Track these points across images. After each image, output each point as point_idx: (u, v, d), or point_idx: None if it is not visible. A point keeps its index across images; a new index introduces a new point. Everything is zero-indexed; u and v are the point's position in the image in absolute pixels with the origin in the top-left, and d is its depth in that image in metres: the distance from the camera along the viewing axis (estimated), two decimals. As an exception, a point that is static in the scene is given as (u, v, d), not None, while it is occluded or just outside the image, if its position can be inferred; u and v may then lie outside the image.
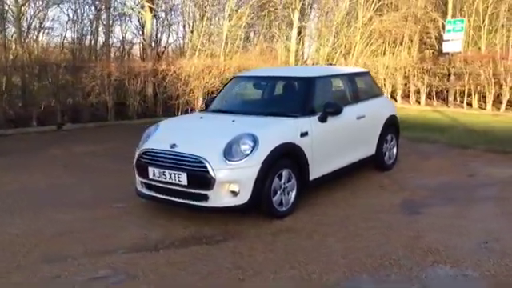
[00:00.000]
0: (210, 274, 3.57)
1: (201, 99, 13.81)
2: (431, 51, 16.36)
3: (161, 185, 4.66)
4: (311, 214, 4.85)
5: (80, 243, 4.18)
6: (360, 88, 6.19)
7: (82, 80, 11.90)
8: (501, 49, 14.59)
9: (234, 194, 4.38)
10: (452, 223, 4.53)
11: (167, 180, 4.55)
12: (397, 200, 5.30)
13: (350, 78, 6.09)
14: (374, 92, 6.53)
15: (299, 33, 18.11)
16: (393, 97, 16.17)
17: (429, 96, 15.63)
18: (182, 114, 13.26)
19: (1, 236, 4.38)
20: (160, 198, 4.75)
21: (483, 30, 14.99)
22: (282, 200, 4.70)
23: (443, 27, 15.35)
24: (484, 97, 14.26)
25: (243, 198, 4.38)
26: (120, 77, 12.48)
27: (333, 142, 5.35)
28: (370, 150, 6.14)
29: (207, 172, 4.32)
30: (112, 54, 15.17)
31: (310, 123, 5.03)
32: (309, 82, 5.37)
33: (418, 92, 15.77)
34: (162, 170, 4.58)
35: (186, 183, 4.43)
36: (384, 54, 18.03)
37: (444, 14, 15.70)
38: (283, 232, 4.38)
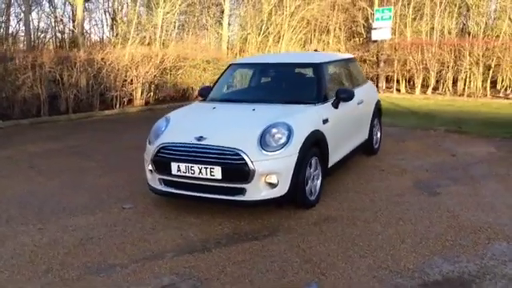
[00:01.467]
0: (283, 270, 3.38)
1: (140, 90, 13.21)
2: (361, 39, 16.93)
3: (187, 181, 4.33)
4: (338, 201, 4.79)
5: (116, 250, 3.77)
6: (354, 73, 6.23)
7: (11, 72, 10.78)
8: (426, 36, 15.50)
9: (273, 185, 4.18)
10: (475, 201, 4.70)
11: (196, 175, 4.24)
12: (407, 182, 5.41)
13: (347, 63, 6.10)
14: (363, 77, 6.61)
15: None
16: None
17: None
18: (120, 107, 12.61)
19: (18, 249, 3.82)
20: (186, 194, 4.42)
21: (408, 18, 15.82)
22: (311, 189, 4.59)
23: (371, 16, 15.96)
24: (409, 82, 15.10)
25: (282, 189, 4.21)
26: (53, 68, 11.47)
27: (343, 129, 5.33)
28: (365, 134, 6.22)
29: (245, 164, 4.08)
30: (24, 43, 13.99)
31: (328, 109, 4.96)
32: (318, 68, 5.28)
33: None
34: (188, 165, 4.26)
35: (219, 177, 4.15)
36: (311, 42, 18.39)
37: (372, 3, 16.31)
38: (324, 221, 4.28)
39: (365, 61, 15.90)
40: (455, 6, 15.16)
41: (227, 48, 17.22)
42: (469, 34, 14.85)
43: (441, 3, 14.93)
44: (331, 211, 4.53)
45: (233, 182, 4.17)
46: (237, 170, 4.12)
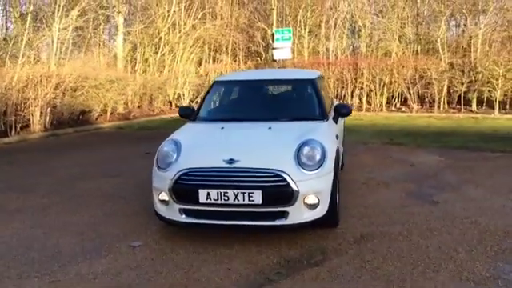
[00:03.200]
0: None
1: (38, 114, 11.93)
2: (261, 58, 17.31)
3: (219, 209, 3.93)
4: (356, 217, 4.73)
5: None
6: (326, 89, 6.29)
7: None
8: (322, 56, 16.37)
9: (313, 206, 3.99)
10: (478, 206, 4.99)
11: (230, 202, 3.87)
12: (398, 193, 5.57)
13: (321, 79, 6.13)
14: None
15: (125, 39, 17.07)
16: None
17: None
18: (17, 133, 11.25)
19: None
20: (218, 224, 4.01)
21: (305, 39, 16.58)
22: (336, 207, 4.48)
23: (271, 36, 16.43)
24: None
25: (323, 209, 4.04)
26: None
27: (340, 144, 5.33)
28: (342, 149, 6.29)
29: (288, 185, 3.84)
30: None
31: (334, 125, 4.93)
32: (314, 84, 5.24)
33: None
34: (221, 191, 3.88)
35: (260, 202, 3.84)
36: (207, 61, 18.35)
37: (270, 24, 16.80)
38: (363, 240, 4.19)
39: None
40: (345, 28, 16.23)
41: (124, 67, 16.37)
42: (360, 53, 16.00)
43: (335, 25, 15.86)
44: (359, 228, 4.45)
45: (274, 206, 3.89)
46: (280, 193, 3.85)
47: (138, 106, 15.66)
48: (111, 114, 13.98)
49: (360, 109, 14.85)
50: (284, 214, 3.90)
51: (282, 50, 16.03)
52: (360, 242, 4.10)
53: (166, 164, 4.17)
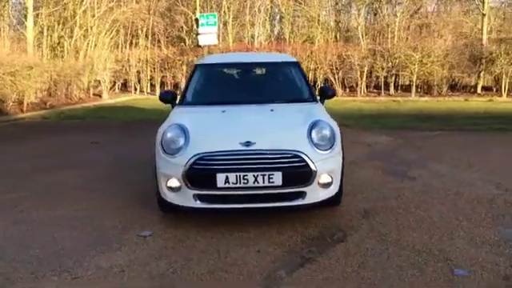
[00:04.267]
0: (417, 265, 3.37)
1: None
2: (186, 44, 16.99)
3: (238, 192, 3.90)
4: (350, 195, 4.92)
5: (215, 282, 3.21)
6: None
7: None
8: (248, 42, 16.48)
9: (327, 185, 4.08)
10: (454, 179, 5.41)
11: (250, 185, 3.85)
12: (374, 171, 5.88)
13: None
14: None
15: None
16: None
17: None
18: None
19: None
20: (237, 208, 3.97)
21: (229, 25, 16.57)
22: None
23: (196, 21, 16.20)
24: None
25: (335, 188, 4.15)
26: None
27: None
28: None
29: (307, 166, 3.91)
30: None
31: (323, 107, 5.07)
32: (298, 66, 5.32)
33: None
34: (240, 174, 3.84)
35: (280, 183, 3.86)
36: (130, 46, 17.67)
37: (194, 9, 16.53)
38: (369, 214, 4.38)
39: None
40: (268, 14, 16.47)
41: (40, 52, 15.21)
42: (284, 40, 16.35)
43: (259, 11, 16.03)
44: (359, 205, 4.63)
45: (293, 187, 3.93)
46: (299, 174, 3.90)
47: (49, 94, 14.62)
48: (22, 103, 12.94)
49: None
50: (301, 195, 3.96)
51: (208, 36, 15.88)
52: (367, 217, 4.28)
53: (175, 149, 4.03)
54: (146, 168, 6.01)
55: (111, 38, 17.09)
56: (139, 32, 17.54)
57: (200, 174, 3.87)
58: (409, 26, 14.87)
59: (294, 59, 5.48)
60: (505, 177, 5.39)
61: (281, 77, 5.40)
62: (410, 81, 13.73)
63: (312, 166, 3.88)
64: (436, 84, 14.07)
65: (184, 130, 4.12)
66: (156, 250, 3.70)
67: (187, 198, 3.97)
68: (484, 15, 13.92)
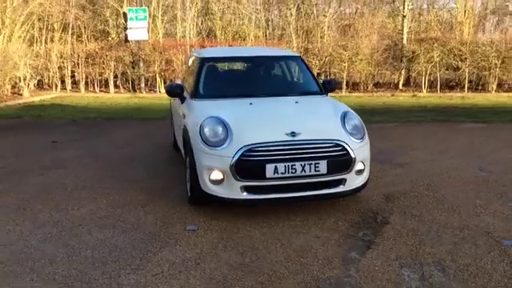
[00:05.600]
0: (465, 242, 3.75)
1: None
2: (114, 38, 16.33)
3: (286, 182, 4.03)
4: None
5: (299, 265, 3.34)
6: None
7: None
8: (180, 38, 16.25)
9: (361, 172, 4.35)
10: (435, 164, 5.93)
11: (297, 174, 4.01)
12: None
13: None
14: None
15: None
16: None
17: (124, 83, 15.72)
18: None
19: None
20: (284, 197, 4.09)
21: (159, 19, 16.23)
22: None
23: (124, 15, 15.68)
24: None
25: (366, 175, 4.44)
26: None
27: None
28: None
29: (347, 153, 4.14)
30: None
31: (332, 99, 5.33)
32: (301, 60, 5.53)
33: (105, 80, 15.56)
34: (289, 164, 3.98)
35: (325, 171, 4.07)
36: (49, 40, 16.60)
37: (122, 2, 15.96)
38: (393, 198, 4.71)
39: (121, 61, 15.45)
40: (199, 11, 16.39)
41: None
42: (214, 36, 16.38)
43: (190, 8, 15.91)
44: (377, 190, 4.93)
45: (336, 174, 4.14)
46: (341, 161, 4.12)
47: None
48: None
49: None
50: (342, 181, 4.18)
51: (138, 31, 15.43)
52: (392, 201, 4.61)
53: (217, 141, 4.05)
54: (132, 164, 5.90)
55: (27, 32, 15.92)
56: (59, 25, 16.50)
57: (249, 165, 3.93)
58: (338, 26, 15.64)
59: (296, 53, 5.66)
60: (481, 161, 6.02)
61: (287, 70, 5.55)
62: (341, 78, 14.47)
63: (352, 154, 4.12)
64: (362, 81, 14.98)
65: (223, 122, 4.13)
66: (215, 243, 3.71)
67: (233, 190, 4.00)
68: (404, 17, 15.10)
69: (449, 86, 14.82)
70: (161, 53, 15.29)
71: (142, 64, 15.54)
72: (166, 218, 4.22)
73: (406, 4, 15.00)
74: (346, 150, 4.09)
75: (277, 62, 5.64)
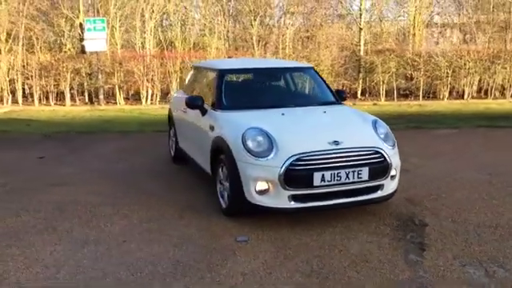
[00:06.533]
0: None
1: None
2: (70, 49, 15.77)
3: (332, 189, 4.15)
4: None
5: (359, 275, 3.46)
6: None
7: None
8: (139, 48, 15.97)
9: (393, 178, 4.54)
10: (438, 168, 6.26)
11: (342, 181, 4.14)
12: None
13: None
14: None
15: None
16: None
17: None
18: None
19: None
20: (328, 205, 4.19)
21: (117, 30, 15.89)
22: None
23: (80, 26, 15.25)
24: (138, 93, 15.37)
25: (397, 181, 4.64)
26: None
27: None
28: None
29: (385, 160, 4.32)
30: None
31: (347, 109, 5.52)
32: (314, 71, 5.69)
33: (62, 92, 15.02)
34: (334, 172, 4.10)
35: (367, 178, 4.22)
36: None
37: (78, 13, 15.48)
38: (414, 201, 4.94)
39: (78, 73, 14.97)
40: (154, 20, 16.21)
41: None
42: (174, 47, 16.25)
43: (150, 18, 15.72)
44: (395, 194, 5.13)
45: (376, 180, 4.30)
46: (381, 168, 4.29)
47: None
48: None
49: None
50: (380, 187, 4.35)
51: (96, 42, 15.06)
52: (416, 204, 4.84)
53: (263, 152, 4.10)
54: (140, 178, 5.79)
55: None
56: (6, 36, 15.74)
57: (298, 174, 4.01)
58: (299, 38, 16.01)
59: (310, 64, 5.80)
60: (476, 164, 6.40)
61: (303, 81, 5.67)
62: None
63: (389, 160, 4.30)
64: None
65: (265, 133, 4.18)
66: (274, 252, 3.74)
67: (281, 199, 4.05)
68: (361, 29, 15.72)
69: (403, 94, 15.54)
70: (121, 64, 14.96)
71: (100, 76, 15.11)
72: (209, 230, 4.19)
73: (362, 17, 15.61)
74: (383, 156, 4.25)
75: (292, 72, 5.75)
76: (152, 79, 14.90)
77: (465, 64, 14.61)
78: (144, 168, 6.48)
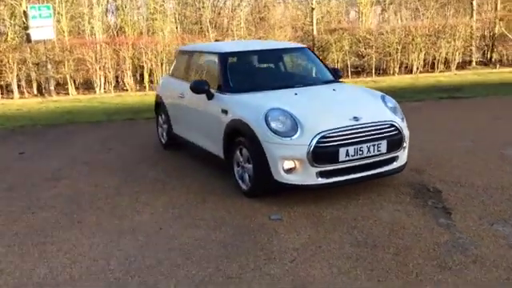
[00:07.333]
0: None
1: None
2: (13, 38, 14.92)
3: (355, 163, 4.32)
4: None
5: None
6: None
7: None
8: (88, 36, 15.38)
9: (405, 149, 4.77)
10: (427, 139, 6.61)
11: (364, 155, 4.33)
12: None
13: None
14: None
15: None
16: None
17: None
18: None
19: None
20: (351, 178, 4.35)
21: (64, 17, 15.22)
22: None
23: (25, 14, 14.47)
24: (88, 82, 14.85)
25: (407, 153, 4.89)
26: None
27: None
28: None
29: (400, 133, 4.54)
30: None
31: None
32: (310, 51, 5.83)
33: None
34: (357, 147, 4.28)
35: (385, 150, 4.43)
36: None
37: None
38: (422, 171, 5.24)
39: (24, 63, 14.24)
40: (100, 5, 15.68)
41: None
42: (124, 33, 15.81)
43: (98, 4, 15.18)
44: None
45: (392, 152, 4.52)
46: (396, 140, 4.52)
47: None
48: None
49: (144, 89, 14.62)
50: (396, 159, 4.59)
51: (42, 30, 14.32)
52: (423, 173, 5.11)
53: (288, 132, 4.20)
54: (137, 166, 5.75)
55: None
56: None
57: (325, 150, 4.15)
58: (253, 19, 16.03)
59: (303, 45, 5.91)
60: (455, 133, 6.81)
61: (301, 60, 5.78)
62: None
63: (403, 133, 4.53)
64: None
65: (287, 112, 4.28)
66: (313, 227, 3.89)
67: (309, 176, 4.19)
68: (313, 9, 15.97)
69: (355, 72, 16.04)
70: (71, 52, 14.37)
71: (50, 65, 14.45)
72: (239, 211, 4.24)
73: (313, -4, 15.87)
74: (398, 129, 4.47)
75: (290, 53, 5.84)
76: (104, 66, 14.39)
77: (413, 39, 15.23)
78: (136, 156, 6.38)
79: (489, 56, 16.45)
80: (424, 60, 15.79)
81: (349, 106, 4.52)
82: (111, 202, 4.58)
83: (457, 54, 15.52)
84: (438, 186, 4.67)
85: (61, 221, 4.19)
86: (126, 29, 15.97)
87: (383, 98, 4.77)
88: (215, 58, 5.31)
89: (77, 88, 14.74)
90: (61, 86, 14.91)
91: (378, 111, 4.55)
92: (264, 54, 5.67)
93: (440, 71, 15.69)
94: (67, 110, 11.41)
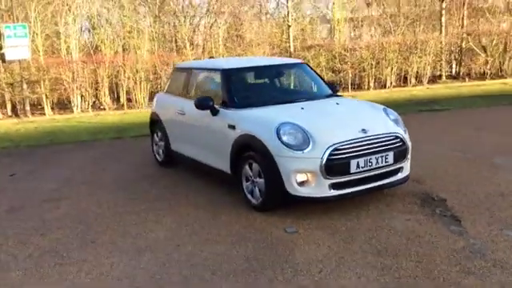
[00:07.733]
0: None
1: None
2: None
3: (365, 174, 4.42)
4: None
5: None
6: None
7: None
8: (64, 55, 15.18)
9: (408, 160, 4.92)
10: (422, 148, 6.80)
11: (373, 166, 4.46)
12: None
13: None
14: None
15: None
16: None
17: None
18: None
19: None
20: (361, 190, 4.45)
21: (39, 36, 15.01)
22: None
23: (-1, 33, 14.21)
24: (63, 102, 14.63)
25: (409, 163, 5.05)
26: None
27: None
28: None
29: (404, 144, 4.70)
30: None
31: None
32: (308, 66, 5.97)
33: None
34: (367, 158, 4.40)
35: (392, 162, 4.57)
36: None
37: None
38: (422, 180, 5.40)
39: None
40: (76, 24, 15.55)
41: None
42: (100, 51, 15.69)
43: (73, 22, 15.05)
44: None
45: (398, 163, 4.65)
46: (402, 151, 4.66)
47: None
48: None
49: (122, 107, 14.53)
50: (401, 170, 4.72)
51: (17, 49, 14.09)
52: (423, 183, 5.27)
53: (300, 145, 4.28)
54: (136, 184, 5.74)
55: None
56: None
57: (337, 163, 4.25)
58: (229, 36, 16.17)
59: (301, 60, 6.05)
60: (443, 143, 7.04)
61: (299, 76, 5.89)
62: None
63: (407, 144, 4.68)
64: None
65: (298, 126, 4.37)
66: (330, 239, 3.95)
67: (322, 189, 4.27)
68: (289, 26, 16.26)
69: (332, 87, 16.32)
70: (47, 71, 14.15)
71: (25, 85, 14.19)
72: (253, 226, 4.27)
73: (289, 15, 16.15)
74: (402, 140, 4.62)
75: (289, 68, 5.96)
76: (82, 86, 14.21)
77: (385, 55, 15.66)
78: (133, 174, 6.33)
79: (457, 70, 17.02)
80: (397, 75, 16.21)
81: (355, 119, 4.64)
82: (120, 221, 4.54)
83: (428, 68, 15.99)
84: (441, 195, 4.82)
85: (73, 241, 4.12)
86: (103, 47, 15.83)
87: (385, 111, 4.91)
88: (217, 75, 5.36)
89: (52, 108, 14.47)
90: (34, 107, 14.63)
91: (383, 123, 4.68)
92: (265, 70, 5.76)
93: (413, 85, 16.14)
94: (48, 130, 11.20)
